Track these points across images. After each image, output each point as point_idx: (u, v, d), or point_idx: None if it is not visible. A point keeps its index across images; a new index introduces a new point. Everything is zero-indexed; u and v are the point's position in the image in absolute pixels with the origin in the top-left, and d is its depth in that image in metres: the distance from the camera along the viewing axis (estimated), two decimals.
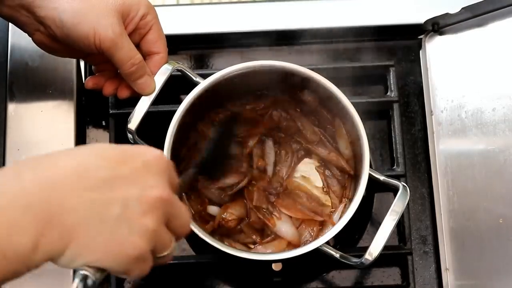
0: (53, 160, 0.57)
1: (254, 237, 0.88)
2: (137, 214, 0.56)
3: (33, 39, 0.85)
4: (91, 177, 0.56)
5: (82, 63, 0.98)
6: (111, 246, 0.55)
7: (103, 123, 0.99)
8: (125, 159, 0.58)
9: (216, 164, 0.86)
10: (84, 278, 0.56)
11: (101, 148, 0.60)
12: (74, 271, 0.57)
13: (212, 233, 0.87)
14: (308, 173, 0.92)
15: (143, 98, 0.85)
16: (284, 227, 0.88)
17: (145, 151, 0.60)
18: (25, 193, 0.53)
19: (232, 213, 0.88)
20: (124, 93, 0.87)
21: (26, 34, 0.85)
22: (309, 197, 0.90)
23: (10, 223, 0.52)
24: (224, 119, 0.92)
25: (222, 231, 0.88)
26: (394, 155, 0.95)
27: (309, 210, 0.89)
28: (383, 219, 0.80)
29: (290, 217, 0.89)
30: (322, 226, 0.89)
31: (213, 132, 0.91)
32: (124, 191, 0.56)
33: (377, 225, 0.87)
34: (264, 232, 0.89)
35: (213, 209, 0.90)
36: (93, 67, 0.90)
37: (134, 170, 0.58)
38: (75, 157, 0.57)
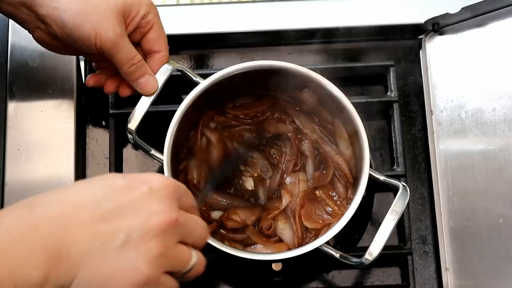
0: (62, 195, 0.60)
1: (257, 239, 0.88)
2: (141, 241, 0.58)
3: (33, 36, 0.84)
4: (98, 208, 0.58)
5: (82, 63, 0.98)
6: (116, 274, 0.57)
7: (103, 123, 0.99)
8: (131, 187, 0.61)
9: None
10: None
11: (109, 178, 0.62)
12: None
13: (213, 234, 0.86)
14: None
15: (143, 98, 0.84)
16: (287, 232, 0.88)
17: (152, 178, 0.62)
18: (36, 227, 0.56)
19: (238, 215, 0.87)
20: (125, 92, 0.86)
21: (27, 34, 0.84)
22: (320, 204, 0.89)
23: (23, 256, 0.55)
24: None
25: (223, 231, 0.88)
26: (394, 155, 0.95)
27: (323, 217, 0.88)
28: (383, 219, 0.80)
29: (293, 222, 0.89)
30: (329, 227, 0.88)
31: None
32: (129, 219, 0.59)
33: (377, 225, 0.87)
34: (269, 237, 0.89)
35: (217, 214, 0.89)
36: (93, 64, 0.90)
37: (140, 197, 0.60)
38: (83, 191, 0.60)
